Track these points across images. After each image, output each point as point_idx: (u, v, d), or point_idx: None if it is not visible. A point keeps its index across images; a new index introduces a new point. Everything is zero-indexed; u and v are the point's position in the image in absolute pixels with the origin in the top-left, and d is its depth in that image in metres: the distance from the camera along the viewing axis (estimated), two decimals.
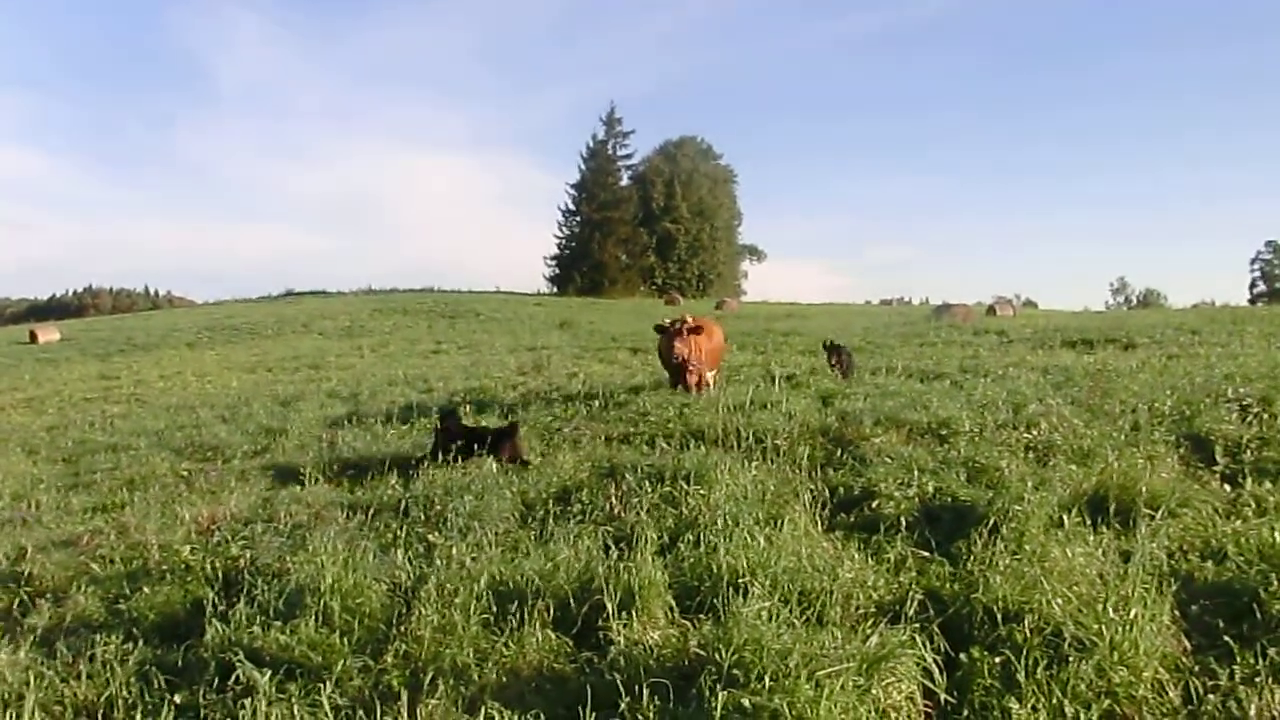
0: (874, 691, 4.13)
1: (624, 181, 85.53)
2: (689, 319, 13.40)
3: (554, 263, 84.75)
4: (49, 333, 48.42)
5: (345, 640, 5.05)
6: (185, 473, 10.74)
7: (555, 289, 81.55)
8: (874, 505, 6.88)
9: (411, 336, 36.04)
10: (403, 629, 5.08)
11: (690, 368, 13.03)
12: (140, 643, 5.30)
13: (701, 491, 6.97)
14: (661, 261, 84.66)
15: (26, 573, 6.97)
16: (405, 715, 4.21)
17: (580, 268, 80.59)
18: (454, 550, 5.98)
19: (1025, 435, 8.55)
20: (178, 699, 4.56)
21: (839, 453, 8.35)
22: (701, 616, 4.95)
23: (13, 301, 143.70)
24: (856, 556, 5.73)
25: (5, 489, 10.77)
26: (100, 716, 4.58)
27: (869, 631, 4.53)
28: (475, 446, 9.22)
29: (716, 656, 4.29)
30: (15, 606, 6.35)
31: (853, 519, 6.76)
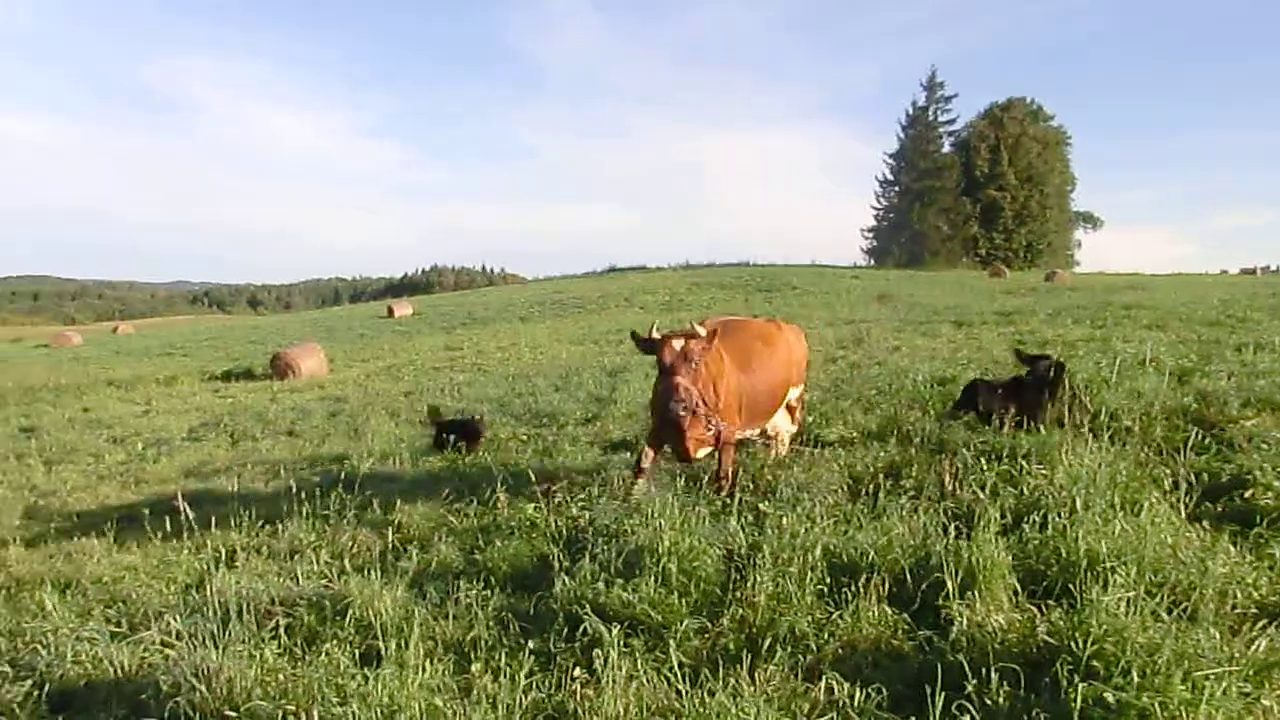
0: (1264, 702, 3.68)
1: (945, 148, 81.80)
2: (694, 325, 7.20)
3: (871, 234, 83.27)
4: (403, 308, 55.00)
5: (683, 601, 5.20)
6: (524, 437, 11.70)
7: (872, 261, 79.85)
8: (1247, 495, 6.08)
9: (729, 310, 36.67)
10: (738, 594, 5.18)
11: (683, 421, 6.97)
12: (496, 591, 5.75)
13: (1044, 471, 6.54)
14: (985, 231, 79.77)
15: (396, 521, 7.86)
16: (746, 677, 4.30)
17: (899, 239, 78.17)
18: (784, 520, 6.00)
19: None
20: (531, 644, 4.86)
21: (1200, 436, 7.44)
22: (1050, 603, 4.66)
23: (373, 280, 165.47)
24: (1230, 550, 5.10)
25: (376, 447, 12.28)
26: (465, 654, 4.92)
27: (1254, 634, 4.05)
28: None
29: (1071, 646, 4.02)
30: (389, 550, 7.05)
31: (1220, 509, 6.01)
